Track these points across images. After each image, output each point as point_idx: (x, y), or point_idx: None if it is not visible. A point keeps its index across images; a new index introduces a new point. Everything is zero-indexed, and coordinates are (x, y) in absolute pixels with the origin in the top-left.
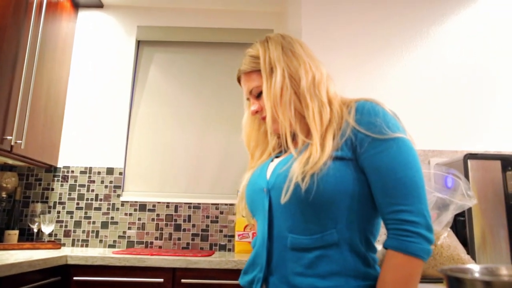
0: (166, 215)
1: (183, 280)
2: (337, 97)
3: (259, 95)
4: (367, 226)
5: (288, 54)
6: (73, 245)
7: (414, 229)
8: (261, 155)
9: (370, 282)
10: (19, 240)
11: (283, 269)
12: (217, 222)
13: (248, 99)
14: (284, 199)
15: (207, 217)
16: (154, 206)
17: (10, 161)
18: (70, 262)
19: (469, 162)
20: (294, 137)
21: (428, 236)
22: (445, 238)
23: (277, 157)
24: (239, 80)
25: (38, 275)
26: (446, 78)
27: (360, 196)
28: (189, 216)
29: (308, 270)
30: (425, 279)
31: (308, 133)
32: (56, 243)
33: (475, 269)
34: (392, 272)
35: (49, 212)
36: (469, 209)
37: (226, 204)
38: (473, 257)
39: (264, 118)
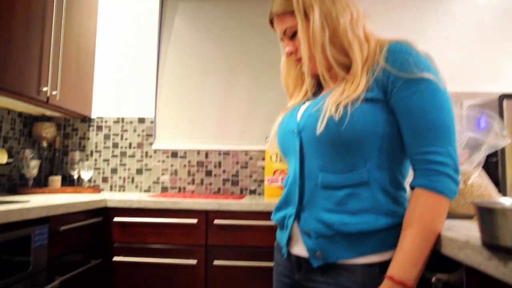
0: (197, 161)
1: (215, 222)
2: (373, 34)
3: (293, 36)
4: (397, 167)
5: None
6: (111, 190)
7: (443, 169)
8: (298, 95)
9: (398, 219)
10: (62, 185)
11: (314, 206)
12: (246, 167)
13: (282, 40)
14: (318, 130)
15: (237, 163)
16: (185, 153)
17: (47, 112)
18: (110, 205)
19: (505, 102)
20: (329, 77)
21: (455, 177)
22: (476, 178)
23: (308, 100)
24: (271, 22)
25: (82, 216)
26: (480, 20)
27: (390, 137)
28: (219, 162)
29: (338, 207)
30: (454, 217)
31: (345, 71)
32: (96, 188)
33: (506, 202)
34: (420, 209)
35: (87, 159)
36: (502, 150)
37: (255, 151)
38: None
39: (299, 60)
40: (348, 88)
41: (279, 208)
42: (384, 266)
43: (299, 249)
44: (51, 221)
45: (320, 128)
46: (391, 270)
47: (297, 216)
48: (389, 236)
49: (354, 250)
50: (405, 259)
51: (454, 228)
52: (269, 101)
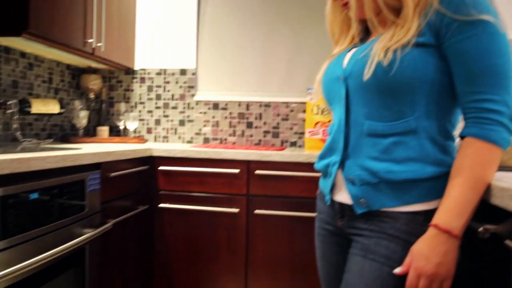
0: (238, 113)
1: (256, 172)
2: None
3: None
4: (446, 115)
5: None
6: (155, 140)
7: (497, 118)
8: (344, 42)
9: (446, 168)
10: (109, 135)
11: (359, 153)
12: (287, 120)
13: None
14: (366, 76)
15: (278, 115)
16: (226, 104)
17: (93, 64)
18: (155, 154)
19: None
20: (378, 21)
21: (510, 126)
22: None
23: (355, 46)
24: None
25: (130, 164)
26: None
27: (440, 84)
28: (260, 114)
29: (383, 155)
30: (505, 170)
31: (395, 14)
32: (141, 138)
33: None
34: (470, 158)
35: (132, 111)
36: None
37: (296, 103)
38: None
39: (345, 4)
40: (398, 32)
41: (323, 156)
42: (429, 214)
43: (343, 197)
44: (102, 168)
45: (367, 74)
46: (437, 219)
47: (342, 164)
48: (436, 185)
49: (399, 198)
50: (452, 208)
51: (505, 178)
52: (311, 53)
